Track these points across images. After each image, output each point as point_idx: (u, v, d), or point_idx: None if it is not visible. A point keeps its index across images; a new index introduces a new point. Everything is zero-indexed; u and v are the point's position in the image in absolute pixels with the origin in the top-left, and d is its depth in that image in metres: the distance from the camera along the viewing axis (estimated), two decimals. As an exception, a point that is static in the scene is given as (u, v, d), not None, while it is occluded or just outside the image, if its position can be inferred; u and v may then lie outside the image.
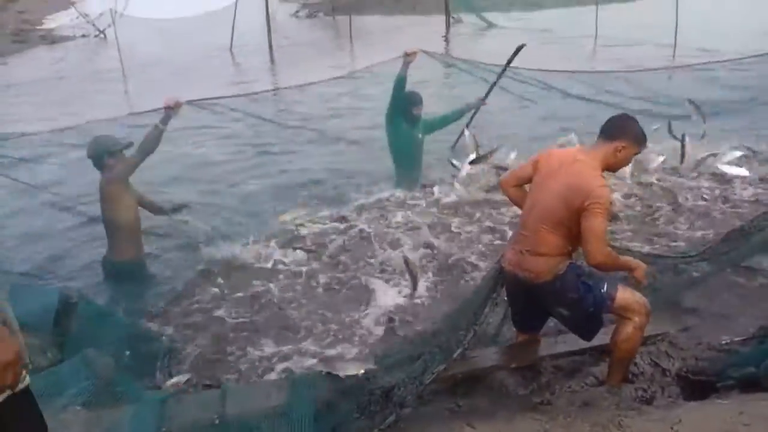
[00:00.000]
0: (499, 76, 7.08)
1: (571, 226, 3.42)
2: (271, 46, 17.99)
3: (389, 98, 6.70)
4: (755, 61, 8.73)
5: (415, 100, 6.68)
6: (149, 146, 4.94)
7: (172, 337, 4.57)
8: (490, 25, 19.34)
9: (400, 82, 6.50)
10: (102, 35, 20.86)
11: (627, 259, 3.62)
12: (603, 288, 3.51)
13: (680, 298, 4.51)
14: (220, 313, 4.90)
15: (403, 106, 6.67)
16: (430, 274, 5.32)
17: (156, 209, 5.52)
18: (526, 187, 3.71)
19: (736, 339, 3.93)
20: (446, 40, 18.48)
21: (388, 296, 5.01)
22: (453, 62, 7.23)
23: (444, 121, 7.15)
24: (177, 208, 5.61)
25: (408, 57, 6.38)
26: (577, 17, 17.84)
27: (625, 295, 3.53)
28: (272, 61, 17.28)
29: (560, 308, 3.61)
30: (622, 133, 3.46)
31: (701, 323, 4.29)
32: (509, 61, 6.95)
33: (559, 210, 3.43)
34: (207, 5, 19.72)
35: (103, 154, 4.94)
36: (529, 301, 3.71)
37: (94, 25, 21.21)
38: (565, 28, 16.85)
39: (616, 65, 13.16)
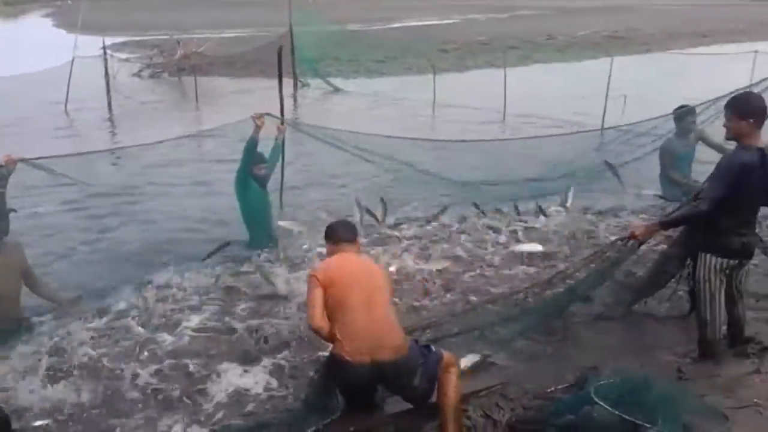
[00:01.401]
0: None
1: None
2: (110, 105, 17.34)
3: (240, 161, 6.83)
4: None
5: (257, 159, 6.80)
6: None
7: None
8: (336, 89, 19.96)
9: (251, 145, 6.62)
10: None
11: None
12: (433, 347, 3.82)
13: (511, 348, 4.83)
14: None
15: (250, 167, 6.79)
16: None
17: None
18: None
19: (559, 387, 4.22)
20: (295, 103, 18.77)
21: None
22: (295, 126, 7.40)
23: (273, 163, 7.29)
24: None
25: (257, 120, 6.53)
26: (415, 84, 18.81)
27: (445, 352, 3.93)
28: (111, 120, 16.67)
29: (411, 378, 3.83)
30: (357, 233, 4.40)
31: (532, 372, 4.59)
32: None
33: (387, 282, 4.05)
34: (44, 63, 18.92)
35: None
36: (375, 386, 3.98)
37: None
38: (405, 94, 17.68)
39: (454, 127, 14.13)
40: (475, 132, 13.88)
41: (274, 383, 4.63)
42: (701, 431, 3.28)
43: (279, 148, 7.28)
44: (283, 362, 4.90)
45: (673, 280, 5.04)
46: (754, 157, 4.06)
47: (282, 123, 7.27)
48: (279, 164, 7.45)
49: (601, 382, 3.62)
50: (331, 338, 3.83)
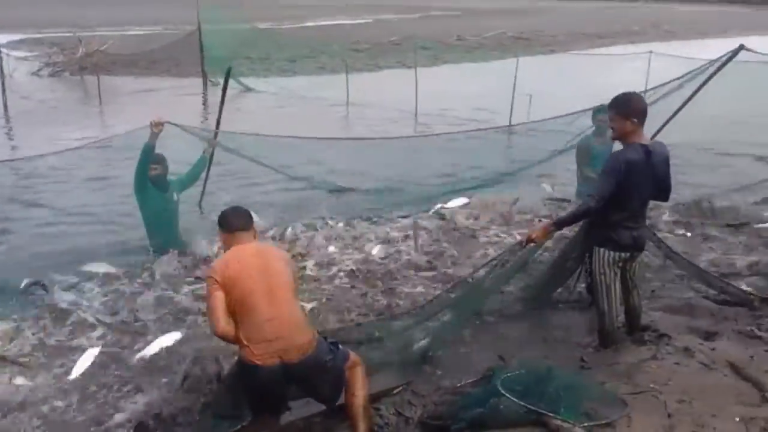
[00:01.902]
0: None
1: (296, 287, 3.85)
2: (5, 105, 16.42)
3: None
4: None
5: (155, 162, 6.59)
6: None
7: None
8: (248, 89, 19.63)
9: (147, 150, 6.42)
10: None
11: None
12: (340, 345, 3.80)
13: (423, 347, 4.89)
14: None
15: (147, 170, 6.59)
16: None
17: None
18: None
19: (469, 381, 4.31)
20: (205, 103, 18.35)
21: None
22: (194, 132, 7.20)
23: (192, 176, 7.26)
24: None
25: (155, 128, 6.27)
26: (328, 83, 18.80)
27: (349, 349, 3.89)
28: (7, 120, 15.78)
29: (322, 375, 3.77)
30: (251, 219, 4.07)
31: (443, 368, 4.66)
32: None
33: (290, 277, 3.80)
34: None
35: None
36: (286, 387, 3.82)
37: None
38: (318, 94, 17.64)
39: (367, 125, 14.23)
40: (388, 131, 14.03)
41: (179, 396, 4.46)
42: (601, 417, 3.41)
43: (205, 160, 7.30)
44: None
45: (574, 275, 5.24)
46: (639, 155, 4.26)
47: (215, 137, 7.27)
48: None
49: (507, 375, 3.73)
50: (238, 342, 3.68)
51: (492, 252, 6.63)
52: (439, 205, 8.17)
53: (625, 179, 4.23)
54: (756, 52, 5.97)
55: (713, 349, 4.33)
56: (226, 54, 20.84)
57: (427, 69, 21.93)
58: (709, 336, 4.70)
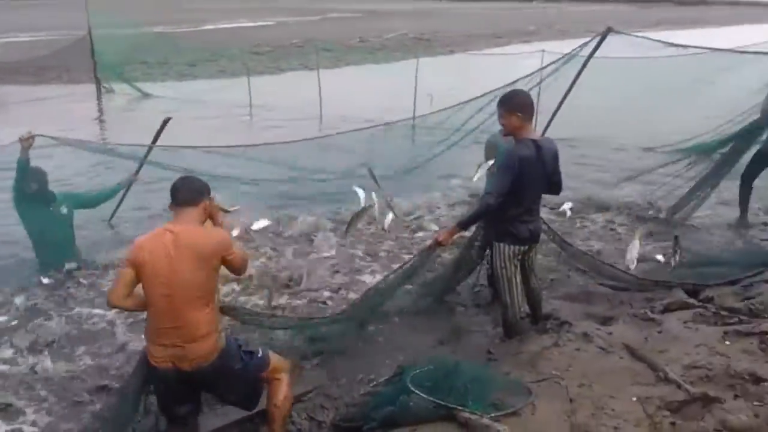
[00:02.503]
0: (147, 153, 6.95)
1: (212, 288, 3.53)
2: None
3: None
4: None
5: (29, 177, 6.33)
6: None
7: None
8: (144, 94, 18.96)
9: (21, 166, 6.19)
10: None
11: None
12: (260, 353, 3.69)
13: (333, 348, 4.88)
14: None
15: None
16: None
17: None
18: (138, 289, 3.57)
19: (380, 380, 4.33)
20: (99, 110, 17.59)
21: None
22: (69, 143, 6.90)
23: (97, 200, 7.17)
24: None
25: (24, 142, 6.02)
26: (230, 87, 18.44)
27: (274, 357, 3.72)
28: None
29: (228, 383, 3.64)
30: (201, 194, 3.66)
31: (354, 370, 4.66)
32: (155, 139, 6.87)
33: (201, 279, 3.46)
34: None
35: None
36: (190, 390, 3.67)
37: None
38: (219, 98, 17.26)
39: (272, 128, 14.05)
40: (293, 133, 13.92)
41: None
42: (507, 406, 3.50)
43: (115, 191, 7.31)
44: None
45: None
46: (530, 150, 4.41)
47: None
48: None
49: (416, 372, 3.76)
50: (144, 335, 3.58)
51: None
52: None
53: (519, 175, 4.36)
54: (623, 33, 6.26)
55: (610, 333, 4.53)
56: (120, 59, 20.11)
57: (330, 71, 21.91)
58: (606, 321, 4.93)
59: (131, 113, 16.98)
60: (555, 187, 4.71)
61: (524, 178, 4.39)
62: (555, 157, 4.57)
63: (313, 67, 17.81)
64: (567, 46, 6.84)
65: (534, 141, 4.44)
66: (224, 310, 3.90)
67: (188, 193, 3.60)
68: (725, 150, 7.18)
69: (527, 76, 6.71)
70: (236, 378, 3.65)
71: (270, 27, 44.81)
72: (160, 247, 3.45)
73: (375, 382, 4.34)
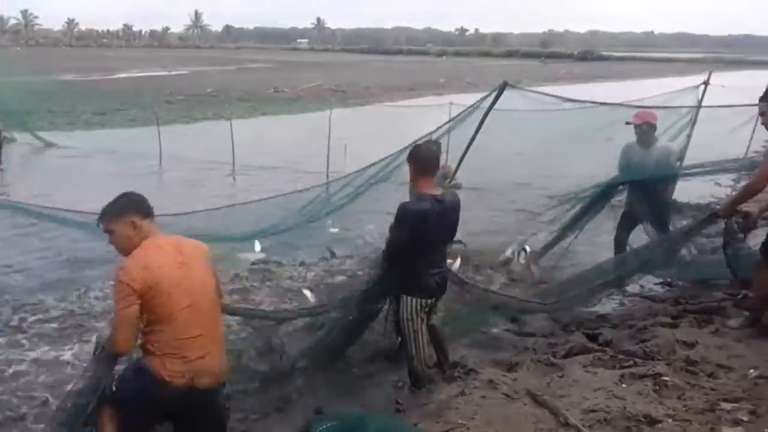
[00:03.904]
0: None
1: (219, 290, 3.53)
2: None
3: None
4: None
5: None
6: None
7: None
8: (48, 144, 18.28)
9: None
10: None
11: None
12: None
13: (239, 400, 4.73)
14: None
15: None
16: None
17: None
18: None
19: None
20: (-1, 161, 16.80)
21: None
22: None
23: None
24: None
25: None
26: (140, 136, 18.07)
27: None
28: None
29: (211, 419, 3.53)
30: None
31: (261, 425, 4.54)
32: None
33: (212, 280, 3.45)
34: None
35: None
36: (186, 418, 3.46)
37: None
38: (128, 147, 16.87)
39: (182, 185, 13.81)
40: (202, 183, 13.75)
41: None
42: (413, 458, 3.49)
43: None
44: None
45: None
46: (426, 206, 4.43)
47: None
48: None
49: (323, 427, 3.70)
50: (144, 350, 3.30)
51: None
52: None
53: (417, 229, 4.41)
54: (518, 88, 6.61)
55: (515, 380, 4.60)
56: (24, 107, 19.37)
57: (245, 120, 21.90)
58: (511, 367, 5.01)
59: (33, 164, 16.33)
60: (451, 237, 4.82)
61: (423, 232, 4.43)
62: (457, 211, 4.63)
63: (227, 117, 17.69)
64: (475, 98, 7.10)
65: (434, 195, 4.46)
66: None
67: (148, 204, 3.41)
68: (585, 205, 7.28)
69: (434, 131, 6.93)
70: (219, 418, 3.57)
71: (184, 76, 44.51)
72: (167, 259, 3.25)
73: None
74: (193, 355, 3.26)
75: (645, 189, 6.82)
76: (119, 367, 3.54)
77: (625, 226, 7.14)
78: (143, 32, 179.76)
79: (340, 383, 5.11)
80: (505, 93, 6.36)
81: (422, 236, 4.45)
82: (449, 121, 7.23)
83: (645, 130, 6.78)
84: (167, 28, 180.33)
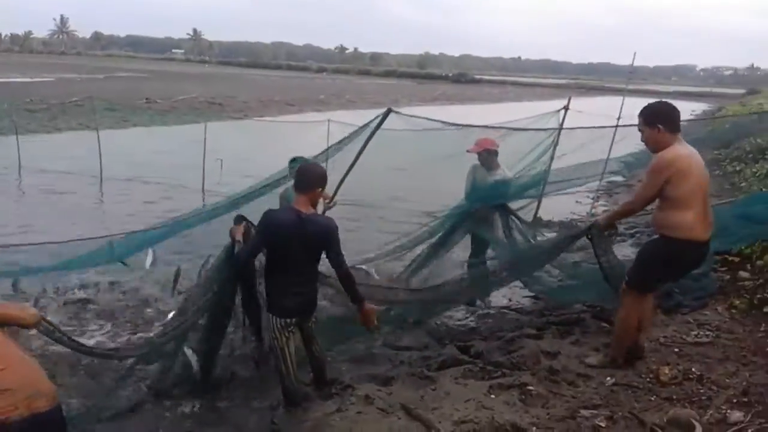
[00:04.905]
0: None
1: None
2: None
3: None
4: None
5: None
6: None
7: None
8: None
9: None
10: None
11: None
12: None
13: None
14: None
15: None
16: None
17: None
18: None
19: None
20: None
21: None
22: None
23: None
24: None
25: None
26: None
27: None
28: None
29: None
30: None
31: None
32: None
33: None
34: None
35: None
36: None
37: None
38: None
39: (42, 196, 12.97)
40: (66, 199, 12.98)
41: None
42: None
43: None
44: None
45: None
46: (286, 217, 4.42)
47: None
48: None
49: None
50: None
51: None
52: None
53: (274, 240, 4.42)
54: (402, 113, 6.78)
55: (390, 394, 4.67)
56: None
57: (115, 131, 20.91)
58: (387, 381, 5.08)
59: None
60: (336, 268, 4.58)
61: (280, 246, 4.42)
62: (323, 235, 4.45)
63: (94, 127, 16.79)
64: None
65: (298, 211, 4.41)
66: None
67: None
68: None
69: (321, 153, 6.99)
70: None
71: (48, 83, 41.97)
72: None
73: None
74: (12, 385, 3.01)
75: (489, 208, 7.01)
76: None
77: (476, 254, 7.16)
78: (3, 36, 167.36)
79: (210, 409, 4.96)
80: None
81: (280, 249, 4.43)
82: (329, 147, 7.29)
83: (485, 156, 7.07)
84: (29, 33, 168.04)
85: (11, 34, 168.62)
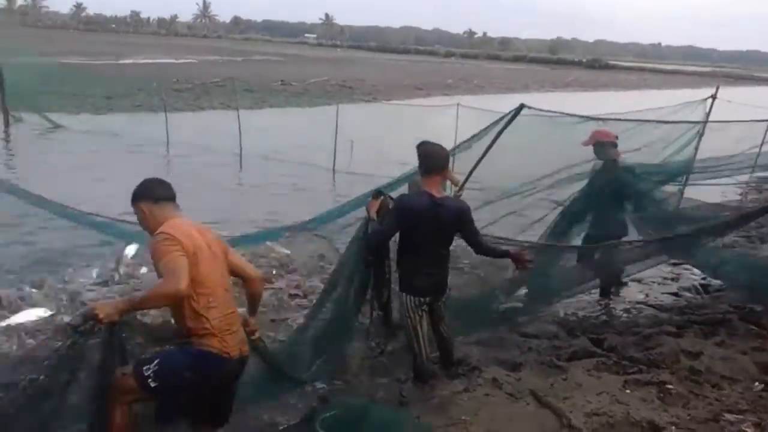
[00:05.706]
0: None
1: None
2: None
3: None
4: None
5: None
6: None
7: None
8: (56, 126, 18.26)
9: None
10: None
11: None
12: None
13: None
14: None
15: None
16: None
17: None
18: None
19: (291, 423, 4.23)
20: (7, 140, 16.77)
21: None
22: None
23: None
24: None
25: None
26: (147, 122, 18.06)
27: None
28: None
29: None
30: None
31: (264, 410, 4.53)
32: None
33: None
34: None
35: None
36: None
37: None
38: (136, 133, 16.86)
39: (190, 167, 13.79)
40: (212, 173, 13.73)
41: None
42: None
43: None
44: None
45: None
46: (424, 204, 4.42)
47: None
48: None
49: (326, 415, 3.72)
50: (200, 329, 3.35)
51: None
52: None
53: (408, 225, 4.45)
54: (533, 108, 6.57)
55: (518, 380, 4.62)
56: (32, 89, 19.32)
57: (251, 111, 21.88)
58: (515, 367, 5.02)
59: (40, 146, 16.27)
60: (474, 246, 4.71)
61: (414, 229, 4.45)
62: (458, 217, 4.50)
63: (233, 107, 17.67)
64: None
65: (432, 196, 4.43)
66: None
67: (170, 189, 3.62)
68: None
69: (453, 148, 6.91)
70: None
71: (192, 65, 44.45)
72: (197, 237, 3.45)
73: (283, 426, 4.24)
74: (236, 328, 3.53)
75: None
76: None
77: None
78: (151, 19, 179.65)
79: (345, 372, 5.11)
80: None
81: (413, 233, 4.47)
82: (457, 145, 7.14)
83: (599, 148, 6.64)
84: (175, 17, 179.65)
85: (158, 18, 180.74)
